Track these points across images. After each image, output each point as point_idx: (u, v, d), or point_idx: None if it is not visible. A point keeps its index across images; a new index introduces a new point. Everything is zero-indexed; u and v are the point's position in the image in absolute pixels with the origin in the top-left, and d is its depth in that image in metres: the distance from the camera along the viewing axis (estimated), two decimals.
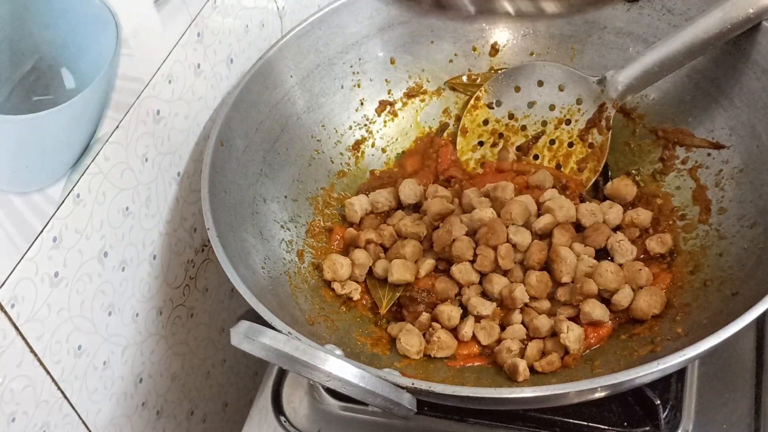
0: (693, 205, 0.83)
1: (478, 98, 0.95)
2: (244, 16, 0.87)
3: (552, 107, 0.92)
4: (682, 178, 0.86)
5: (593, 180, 0.89)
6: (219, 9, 0.82)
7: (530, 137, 0.93)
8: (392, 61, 0.96)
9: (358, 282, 0.84)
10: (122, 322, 0.75)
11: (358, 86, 0.95)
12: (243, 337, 0.57)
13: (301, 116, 0.91)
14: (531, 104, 0.93)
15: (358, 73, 0.95)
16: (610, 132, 0.89)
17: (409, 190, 0.88)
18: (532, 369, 0.74)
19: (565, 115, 0.91)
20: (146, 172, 0.75)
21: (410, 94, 0.97)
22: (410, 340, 0.77)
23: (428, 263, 0.82)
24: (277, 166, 0.87)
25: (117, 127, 0.70)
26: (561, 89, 0.92)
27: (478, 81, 0.97)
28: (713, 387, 0.76)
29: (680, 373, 0.76)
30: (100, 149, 0.69)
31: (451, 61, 0.97)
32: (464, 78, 0.97)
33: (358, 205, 0.88)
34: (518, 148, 0.93)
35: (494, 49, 0.97)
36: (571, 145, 0.91)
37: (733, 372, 0.76)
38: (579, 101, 0.91)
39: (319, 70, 0.92)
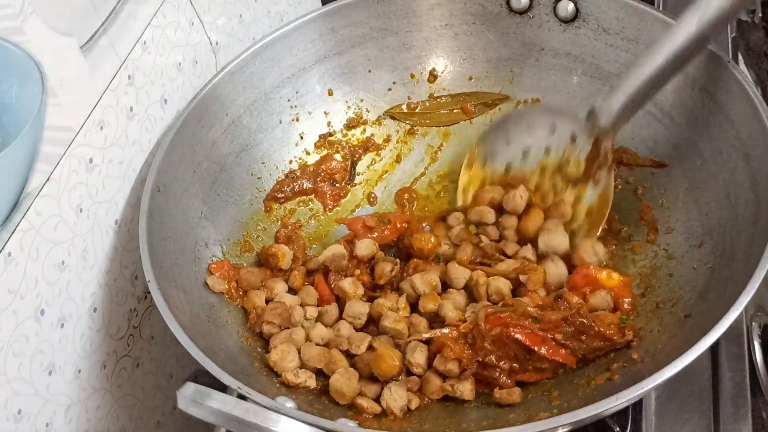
0: (640, 225, 0.83)
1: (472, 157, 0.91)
2: (176, 54, 0.85)
3: (547, 150, 0.87)
4: (627, 198, 0.86)
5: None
6: (149, 48, 0.80)
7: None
8: (330, 93, 0.95)
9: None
10: (64, 381, 0.72)
11: (297, 120, 0.94)
12: (190, 401, 0.55)
13: (239, 154, 0.89)
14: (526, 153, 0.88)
15: (296, 106, 0.93)
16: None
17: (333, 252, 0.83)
18: (489, 402, 0.73)
19: (564, 156, 0.86)
20: (81, 223, 0.73)
21: (350, 125, 0.96)
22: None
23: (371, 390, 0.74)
24: (218, 208, 0.85)
25: (47, 179, 0.67)
26: (552, 131, 0.87)
27: (418, 109, 0.96)
28: (671, 409, 0.75)
29: None
30: (31, 204, 0.66)
31: (389, 89, 0.96)
32: (404, 107, 0.96)
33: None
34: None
35: (433, 76, 0.96)
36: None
37: (689, 393, 0.76)
38: (573, 139, 0.86)
39: (255, 106, 0.90)
